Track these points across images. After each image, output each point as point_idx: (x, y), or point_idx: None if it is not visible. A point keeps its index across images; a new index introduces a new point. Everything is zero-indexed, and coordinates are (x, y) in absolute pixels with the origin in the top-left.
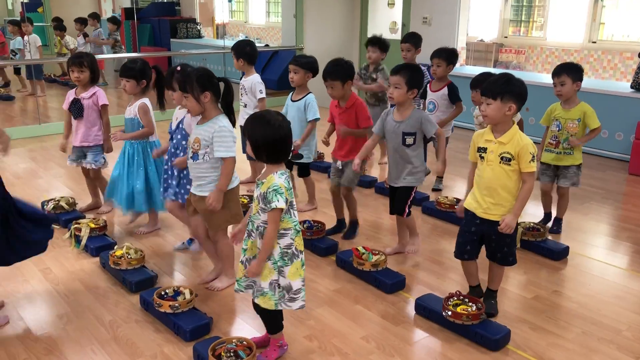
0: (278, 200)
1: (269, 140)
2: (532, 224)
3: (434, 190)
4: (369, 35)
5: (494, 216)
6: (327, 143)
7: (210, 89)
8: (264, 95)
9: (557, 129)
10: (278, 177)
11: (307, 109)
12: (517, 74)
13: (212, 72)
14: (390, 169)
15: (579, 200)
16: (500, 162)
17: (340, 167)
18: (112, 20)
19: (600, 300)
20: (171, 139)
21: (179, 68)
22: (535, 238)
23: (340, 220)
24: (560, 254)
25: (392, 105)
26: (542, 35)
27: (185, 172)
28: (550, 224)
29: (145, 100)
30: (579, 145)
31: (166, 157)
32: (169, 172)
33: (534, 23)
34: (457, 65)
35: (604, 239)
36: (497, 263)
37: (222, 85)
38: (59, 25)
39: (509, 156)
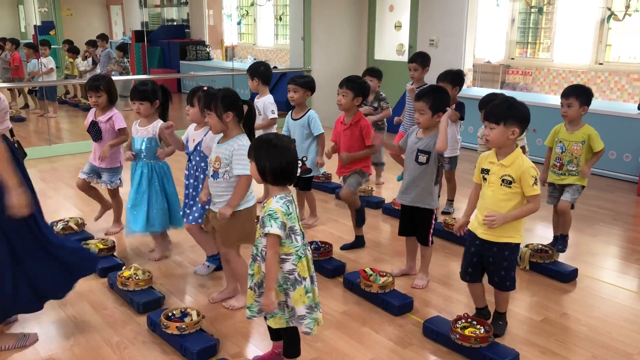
0: (271, 226)
1: (276, 165)
2: (540, 246)
3: (443, 213)
4: (376, 57)
5: (493, 237)
6: (329, 156)
7: (233, 110)
8: (275, 115)
9: (561, 151)
10: (275, 202)
11: (311, 124)
12: (524, 95)
13: (237, 94)
14: (402, 186)
15: (588, 222)
16: (501, 184)
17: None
18: (120, 47)
19: (610, 324)
20: (189, 160)
21: (205, 88)
22: (543, 260)
23: (358, 236)
24: (569, 276)
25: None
26: (549, 57)
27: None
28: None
29: (161, 120)
30: (588, 173)
31: (186, 181)
32: (192, 195)
33: (540, 45)
34: (464, 87)
35: (613, 261)
36: (495, 287)
37: (245, 107)
38: (71, 48)
39: (509, 179)
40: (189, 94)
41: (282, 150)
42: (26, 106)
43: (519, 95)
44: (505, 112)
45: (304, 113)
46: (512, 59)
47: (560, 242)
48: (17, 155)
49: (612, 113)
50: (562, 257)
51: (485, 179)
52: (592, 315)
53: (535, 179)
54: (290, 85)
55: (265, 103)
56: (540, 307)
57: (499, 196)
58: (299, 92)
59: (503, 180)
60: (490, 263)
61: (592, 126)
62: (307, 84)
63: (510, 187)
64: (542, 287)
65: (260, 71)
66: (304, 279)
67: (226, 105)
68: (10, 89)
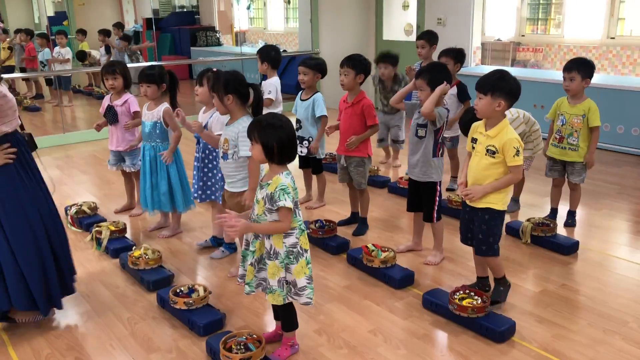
0: (286, 200)
1: (283, 142)
2: (541, 219)
3: (448, 190)
4: (385, 37)
5: (474, 203)
6: (327, 133)
7: (235, 93)
8: (271, 96)
9: (561, 123)
10: (285, 177)
11: (315, 106)
12: (534, 72)
13: (242, 77)
14: (408, 160)
15: (594, 196)
16: (485, 154)
17: (345, 165)
18: (124, 38)
19: (608, 293)
20: (198, 142)
21: (215, 69)
22: (545, 233)
23: (354, 213)
24: (570, 249)
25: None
26: (560, 33)
27: (208, 174)
28: (564, 219)
29: (167, 104)
30: (592, 160)
31: (195, 163)
32: (206, 175)
33: (551, 21)
34: (473, 64)
35: (615, 233)
36: (475, 253)
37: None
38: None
39: (493, 149)
40: (198, 75)
41: (285, 129)
42: (39, 96)
43: (530, 73)
44: (494, 83)
45: (311, 95)
46: (523, 36)
47: (569, 217)
48: (26, 148)
49: (620, 87)
50: (564, 231)
51: (473, 148)
52: (591, 286)
53: (517, 150)
54: (301, 67)
55: (266, 84)
56: (540, 279)
57: (483, 165)
58: (308, 74)
59: (487, 150)
60: (473, 227)
61: (601, 101)
62: (317, 66)
63: (494, 157)
64: (543, 260)
65: (271, 56)
66: (306, 251)
67: (227, 88)
68: (26, 79)
